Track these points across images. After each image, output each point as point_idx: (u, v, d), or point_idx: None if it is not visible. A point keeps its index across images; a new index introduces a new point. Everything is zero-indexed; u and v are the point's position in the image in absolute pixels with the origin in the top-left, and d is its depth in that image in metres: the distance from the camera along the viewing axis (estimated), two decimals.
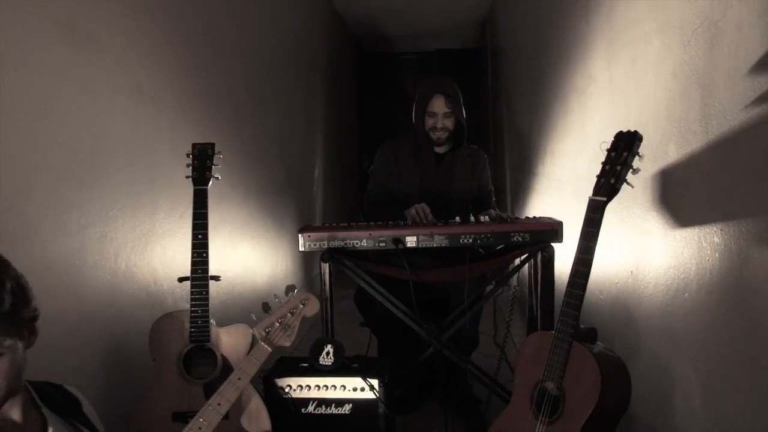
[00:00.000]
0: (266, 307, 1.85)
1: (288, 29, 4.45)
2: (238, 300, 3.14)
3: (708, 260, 1.44)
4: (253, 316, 1.84)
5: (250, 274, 3.47)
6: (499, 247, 2.56)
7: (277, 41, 4.11)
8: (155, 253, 2.37)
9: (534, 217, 2.62)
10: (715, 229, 1.40)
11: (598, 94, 2.38)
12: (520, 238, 2.39)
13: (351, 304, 2.85)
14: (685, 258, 1.56)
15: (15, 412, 1.29)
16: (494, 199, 2.97)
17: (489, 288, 2.63)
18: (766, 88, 1.16)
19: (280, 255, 4.10)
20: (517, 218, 2.57)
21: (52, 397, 1.43)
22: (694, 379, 1.55)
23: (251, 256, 3.52)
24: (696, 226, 1.51)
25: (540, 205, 3.71)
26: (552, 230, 2.39)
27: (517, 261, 2.58)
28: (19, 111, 1.63)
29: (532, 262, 2.49)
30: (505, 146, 5.63)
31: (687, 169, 1.56)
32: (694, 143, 1.49)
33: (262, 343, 1.76)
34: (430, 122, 2.75)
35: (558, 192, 3.18)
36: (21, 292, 1.22)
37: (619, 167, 1.64)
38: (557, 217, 2.48)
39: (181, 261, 2.50)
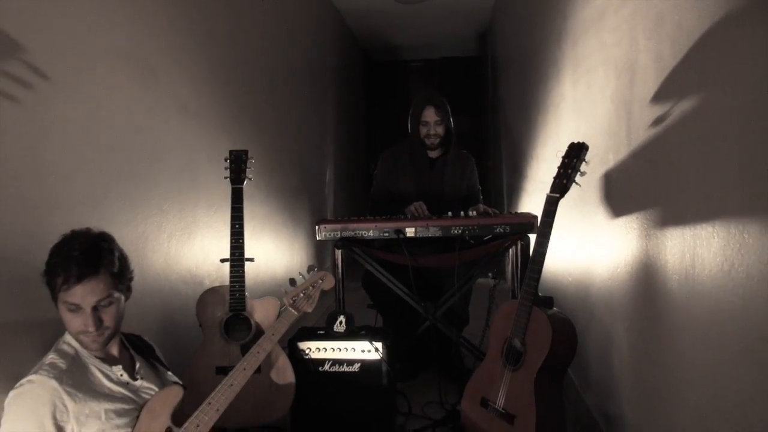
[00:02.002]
0: (293, 282, 2.31)
1: (303, 45, 4.93)
2: (261, 286, 3.60)
3: (630, 241, 1.89)
4: (283, 289, 2.30)
5: (270, 263, 3.94)
6: (486, 238, 3.01)
7: (293, 57, 4.59)
8: (196, 241, 2.84)
9: (515, 212, 3.07)
10: (634, 216, 1.86)
11: (567, 110, 2.84)
12: (502, 230, 2.84)
13: (359, 296, 3.31)
14: (618, 241, 2.02)
15: (114, 349, 1.77)
16: (482, 197, 3.42)
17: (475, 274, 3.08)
18: (657, 115, 1.62)
19: (295, 248, 4.56)
20: (500, 213, 3.02)
21: (135, 342, 1.92)
22: (623, 336, 2.00)
23: (271, 248, 3.99)
24: (624, 216, 1.96)
25: (528, 203, 4.16)
26: (529, 223, 2.84)
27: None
28: (104, 130, 2.10)
29: (513, 249, 2.94)
30: (502, 151, 6.08)
31: (619, 172, 2.02)
32: (623, 153, 1.95)
33: (290, 308, 2.22)
34: (423, 130, 3.21)
35: (541, 192, 3.60)
36: (124, 259, 1.71)
37: (569, 171, 2.09)
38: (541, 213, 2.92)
39: (216, 248, 2.98)
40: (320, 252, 5.26)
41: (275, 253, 4.07)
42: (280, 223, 4.17)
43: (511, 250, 2.93)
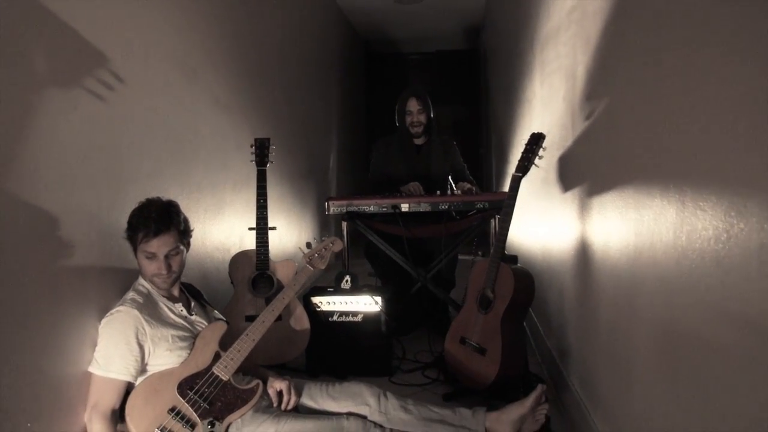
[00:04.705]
0: (309, 245, 2.84)
1: (310, 41, 5.45)
2: (273, 258, 4.14)
3: (573, 208, 2.42)
4: (301, 250, 2.83)
5: (282, 238, 4.48)
6: (470, 213, 3.54)
7: (302, 53, 5.11)
8: (225, 216, 3.38)
9: (494, 191, 3.60)
10: (576, 190, 2.39)
11: (537, 105, 3.36)
12: (482, 206, 3.38)
13: (361, 270, 3.83)
14: (566, 209, 2.56)
15: (176, 291, 2.30)
16: (468, 172, 3.95)
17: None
18: (587, 112, 2.15)
19: (303, 227, 5.10)
20: (480, 191, 3.55)
21: (189, 288, 2.45)
22: (570, 284, 2.54)
23: (283, 225, 4.53)
24: (570, 190, 2.50)
25: None
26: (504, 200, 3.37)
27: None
28: (161, 122, 2.63)
29: (492, 222, 3.47)
30: (491, 139, 6.61)
31: (567, 156, 2.55)
32: (569, 140, 2.48)
33: (307, 265, 2.75)
34: (408, 119, 3.76)
35: None
36: (187, 221, 2.24)
37: (530, 155, 2.63)
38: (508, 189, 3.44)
39: (239, 223, 3.51)
40: (324, 230, 5.81)
41: (287, 229, 4.61)
42: (290, 203, 4.71)
43: (493, 223, 3.47)
